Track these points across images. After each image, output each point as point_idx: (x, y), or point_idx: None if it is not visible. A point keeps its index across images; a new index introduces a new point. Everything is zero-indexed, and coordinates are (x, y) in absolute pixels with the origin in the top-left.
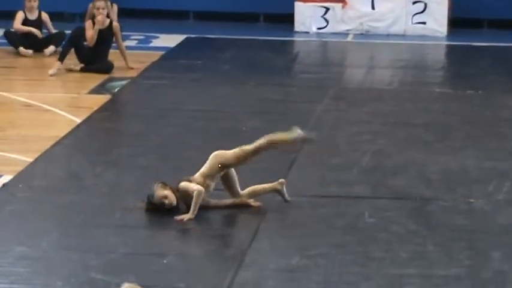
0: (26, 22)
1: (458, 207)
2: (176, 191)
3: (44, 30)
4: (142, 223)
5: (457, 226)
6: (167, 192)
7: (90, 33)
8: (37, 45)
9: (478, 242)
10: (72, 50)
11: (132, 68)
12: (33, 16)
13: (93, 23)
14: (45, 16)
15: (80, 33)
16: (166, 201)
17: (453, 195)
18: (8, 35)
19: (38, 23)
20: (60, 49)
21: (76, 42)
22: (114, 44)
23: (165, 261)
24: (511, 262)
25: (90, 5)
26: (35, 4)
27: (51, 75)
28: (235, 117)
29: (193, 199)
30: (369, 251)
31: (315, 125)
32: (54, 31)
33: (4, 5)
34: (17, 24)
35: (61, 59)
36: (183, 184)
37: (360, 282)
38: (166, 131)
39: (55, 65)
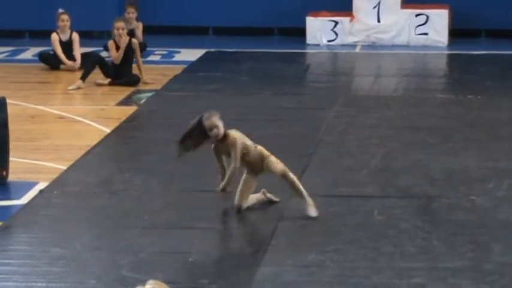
0: (59, 44)
1: (461, 204)
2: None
3: None
4: (169, 224)
5: (459, 222)
6: (220, 124)
7: (114, 52)
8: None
9: (480, 236)
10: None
11: (147, 83)
12: (65, 37)
13: (115, 42)
14: (75, 36)
15: (100, 57)
16: (215, 130)
17: (456, 193)
18: (43, 57)
19: (70, 44)
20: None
21: (98, 63)
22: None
23: (190, 259)
24: (510, 255)
25: (113, 24)
26: (68, 23)
27: (70, 90)
28: (253, 124)
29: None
30: (379, 246)
31: (327, 130)
32: (78, 54)
33: (38, 24)
34: (58, 49)
35: (83, 78)
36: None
37: (371, 276)
38: None
39: (77, 82)
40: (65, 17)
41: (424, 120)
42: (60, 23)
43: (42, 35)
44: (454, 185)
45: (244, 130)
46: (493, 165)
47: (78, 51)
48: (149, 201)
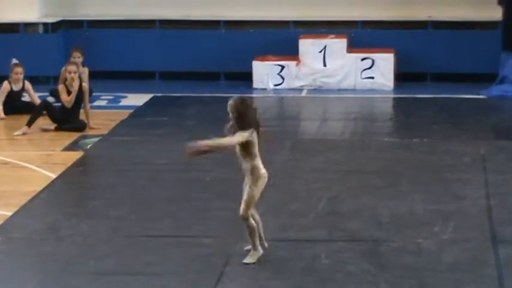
0: (10, 93)
1: (407, 247)
2: None
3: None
4: (115, 270)
5: (406, 265)
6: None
7: (65, 96)
8: (18, 110)
9: (426, 279)
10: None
11: (93, 128)
12: (17, 87)
13: (66, 86)
14: (28, 86)
15: (47, 103)
16: None
17: (402, 237)
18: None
19: (21, 93)
20: None
21: (45, 109)
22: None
23: None
24: None
25: (63, 69)
26: (21, 76)
27: (15, 136)
28: (200, 168)
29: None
30: None
31: (274, 174)
32: (37, 99)
33: None
34: (1, 99)
35: (29, 124)
36: None
37: None
38: (137, 183)
39: (23, 128)
40: (19, 69)
41: (371, 163)
42: (14, 76)
43: None
44: (400, 228)
45: (192, 174)
46: (438, 208)
47: (35, 97)
48: (95, 247)
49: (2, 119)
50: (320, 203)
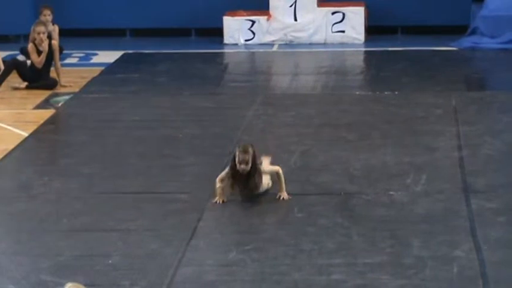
0: None
1: (380, 199)
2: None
3: None
4: (88, 227)
5: (378, 217)
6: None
7: (35, 57)
8: None
9: (399, 231)
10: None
11: (64, 86)
12: None
13: (35, 45)
14: None
15: (18, 61)
16: (243, 167)
17: (374, 189)
18: None
19: None
20: None
21: (15, 68)
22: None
23: (110, 261)
24: (429, 249)
25: (32, 28)
26: None
27: None
28: (172, 125)
29: (282, 178)
30: (299, 244)
31: (246, 129)
32: None
33: None
34: None
35: None
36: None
37: (291, 273)
38: (109, 141)
39: None
40: None
41: (343, 117)
42: None
43: None
44: (372, 181)
45: (164, 131)
46: (410, 160)
47: None
48: (68, 204)
49: None
50: (292, 157)
